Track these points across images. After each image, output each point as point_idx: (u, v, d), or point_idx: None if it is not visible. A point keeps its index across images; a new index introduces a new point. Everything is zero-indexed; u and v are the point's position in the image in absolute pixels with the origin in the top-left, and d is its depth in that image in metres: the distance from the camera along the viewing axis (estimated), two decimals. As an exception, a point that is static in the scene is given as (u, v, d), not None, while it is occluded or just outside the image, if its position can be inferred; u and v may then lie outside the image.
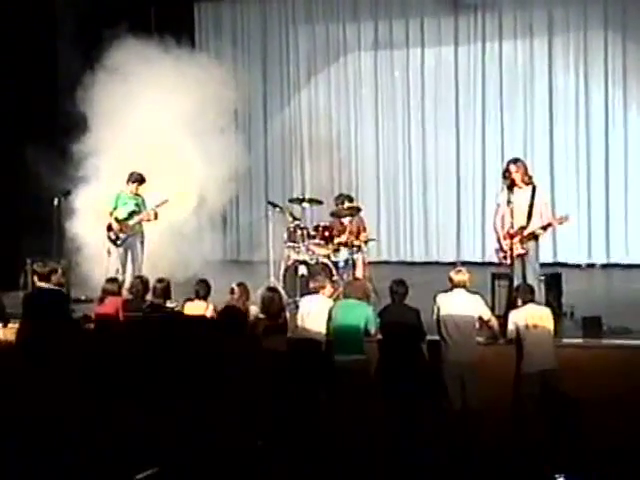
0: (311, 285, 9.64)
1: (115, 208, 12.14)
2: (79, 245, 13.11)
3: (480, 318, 8.88)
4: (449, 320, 8.75)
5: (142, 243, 12.19)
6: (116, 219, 12.10)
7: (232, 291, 9.37)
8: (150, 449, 6.44)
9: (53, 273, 10.38)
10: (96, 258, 12.60)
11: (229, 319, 8.74)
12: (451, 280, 8.96)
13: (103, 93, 13.33)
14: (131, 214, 12.12)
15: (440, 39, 15.61)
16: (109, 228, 12.15)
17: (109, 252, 12.14)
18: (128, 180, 12.14)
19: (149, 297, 9.66)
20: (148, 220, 12.19)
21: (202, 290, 9.54)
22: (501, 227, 10.52)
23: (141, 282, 9.89)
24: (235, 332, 8.40)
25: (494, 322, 9.00)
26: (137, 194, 12.20)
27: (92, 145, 13.38)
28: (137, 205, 12.17)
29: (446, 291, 9.00)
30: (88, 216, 13.01)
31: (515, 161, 10.72)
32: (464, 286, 8.95)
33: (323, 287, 9.43)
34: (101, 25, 13.60)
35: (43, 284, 9.57)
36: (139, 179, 12.15)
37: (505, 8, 15.21)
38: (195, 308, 9.49)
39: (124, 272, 11.87)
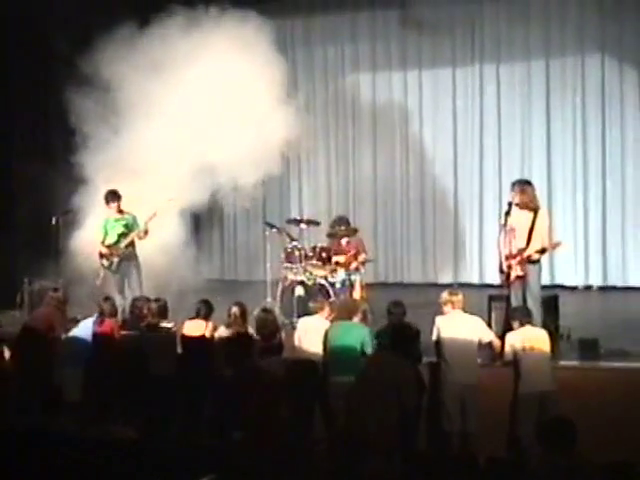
0: (311, 305, 9.63)
1: (105, 235, 11.85)
2: (77, 264, 13.06)
3: (480, 340, 8.86)
4: (450, 342, 8.74)
5: (137, 268, 11.84)
6: (106, 245, 11.82)
7: (229, 311, 9.36)
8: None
9: (53, 292, 10.42)
10: (94, 277, 12.55)
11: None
12: (451, 302, 8.94)
13: (99, 109, 13.35)
14: (120, 236, 11.81)
15: (438, 60, 15.68)
16: (101, 255, 11.87)
17: (103, 279, 11.84)
18: (105, 203, 11.86)
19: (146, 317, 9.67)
20: (140, 238, 11.85)
21: (204, 310, 9.54)
22: (503, 248, 10.48)
23: (140, 302, 9.90)
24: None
25: (497, 344, 8.96)
26: (122, 212, 11.85)
27: (91, 164, 13.40)
28: (126, 226, 11.83)
29: (443, 313, 9.00)
30: (86, 235, 12.97)
31: (521, 183, 10.70)
32: (462, 307, 8.96)
33: (322, 308, 9.44)
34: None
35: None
36: (111, 199, 11.79)
37: (502, 30, 15.28)
38: (195, 328, 9.49)
39: (123, 298, 11.43)
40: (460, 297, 9.00)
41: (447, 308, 8.97)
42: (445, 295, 9.04)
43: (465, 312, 9.01)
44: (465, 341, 8.73)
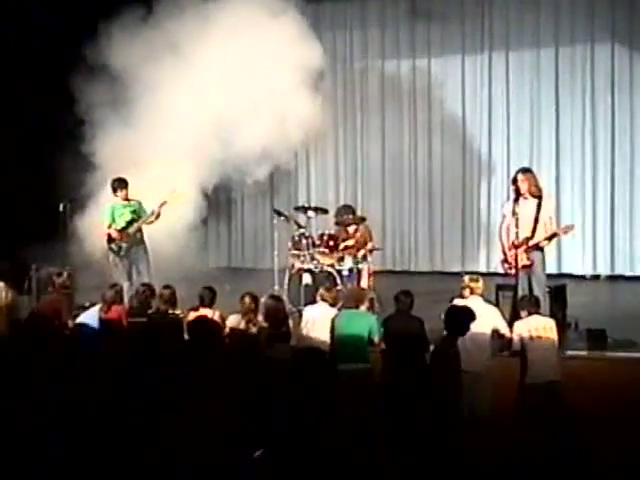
0: (320, 291, 9.59)
1: (112, 221, 11.82)
2: (85, 250, 13.07)
3: (494, 330, 8.82)
4: None
5: (146, 254, 11.83)
6: (115, 229, 11.78)
7: (242, 300, 9.29)
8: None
9: (57, 277, 10.41)
10: (101, 264, 12.56)
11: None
12: (470, 288, 8.91)
13: (109, 97, 13.39)
14: (128, 223, 11.79)
15: (447, 48, 15.64)
16: (109, 240, 11.84)
17: (115, 264, 11.82)
18: (113, 191, 11.86)
19: (154, 304, 9.65)
20: (150, 223, 11.84)
21: (207, 297, 9.51)
22: (507, 238, 10.48)
23: (147, 289, 9.88)
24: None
25: (509, 335, 8.92)
26: (128, 199, 11.84)
27: (100, 151, 13.43)
28: (134, 212, 11.83)
29: (461, 297, 8.97)
30: (94, 221, 12.98)
31: (524, 171, 10.70)
32: (481, 294, 8.93)
33: (330, 296, 9.41)
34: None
35: None
36: (119, 187, 11.78)
37: (512, 18, 15.23)
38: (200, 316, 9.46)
39: (131, 284, 11.41)
40: (480, 284, 8.96)
41: (466, 292, 8.95)
42: (466, 280, 9.03)
43: (485, 300, 8.98)
44: (480, 329, 8.68)
